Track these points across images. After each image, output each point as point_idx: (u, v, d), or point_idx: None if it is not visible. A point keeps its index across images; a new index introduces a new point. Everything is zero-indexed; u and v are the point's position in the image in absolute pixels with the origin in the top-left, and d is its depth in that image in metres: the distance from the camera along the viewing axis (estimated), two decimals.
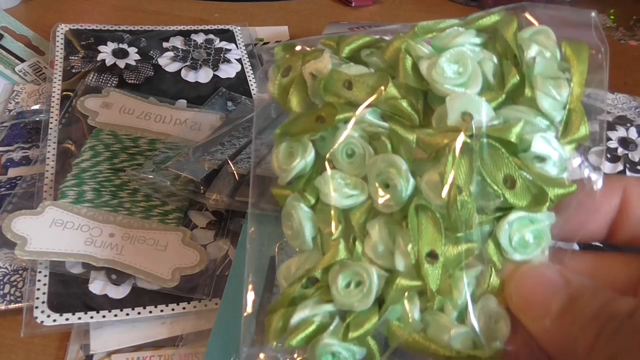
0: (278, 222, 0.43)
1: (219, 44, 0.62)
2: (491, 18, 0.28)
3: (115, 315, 0.39)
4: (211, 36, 0.62)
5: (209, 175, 0.44)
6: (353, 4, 0.79)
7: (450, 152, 0.23)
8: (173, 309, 0.40)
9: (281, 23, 0.72)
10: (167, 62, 0.58)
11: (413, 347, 0.24)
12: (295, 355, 0.36)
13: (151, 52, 0.59)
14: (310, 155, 0.28)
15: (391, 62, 0.27)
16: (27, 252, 0.40)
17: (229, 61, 0.60)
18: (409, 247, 0.23)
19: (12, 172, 0.49)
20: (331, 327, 0.25)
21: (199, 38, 0.62)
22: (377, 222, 0.25)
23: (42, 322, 0.38)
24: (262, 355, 0.36)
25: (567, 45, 0.25)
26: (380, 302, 0.25)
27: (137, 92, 0.54)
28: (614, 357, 0.17)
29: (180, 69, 0.58)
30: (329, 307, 0.25)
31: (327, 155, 0.27)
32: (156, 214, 0.44)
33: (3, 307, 0.40)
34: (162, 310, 0.40)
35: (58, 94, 0.53)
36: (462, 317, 0.23)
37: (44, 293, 0.39)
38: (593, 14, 0.23)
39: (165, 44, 0.60)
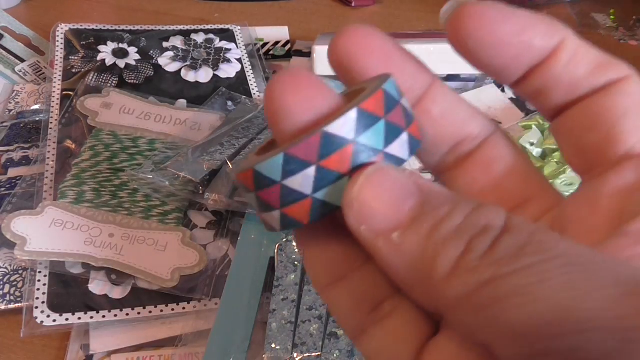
0: None
1: (219, 43, 0.62)
2: None
3: (115, 315, 0.39)
4: (211, 36, 0.62)
5: (208, 175, 0.44)
6: (353, 4, 0.79)
7: None
8: (173, 309, 0.40)
9: (281, 23, 0.72)
10: (167, 62, 0.58)
11: None
12: (295, 355, 0.36)
13: (151, 51, 0.59)
14: None
15: None
16: (26, 252, 0.40)
17: (229, 61, 0.60)
18: None
19: (12, 172, 0.49)
20: None
21: (199, 38, 0.62)
22: None
23: (42, 322, 0.38)
24: (264, 356, 0.37)
25: None
26: None
27: (137, 92, 0.54)
28: (490, 281, 0.13)
29: (180, 69, 0.58)
30: None
31: None
32: (156, 214, 0.44)
33: (3, 307, 0.40)
34: (162, 310, 0.40)
35: (58, 94, 0.53)
36: None
37: (43, 293, 0.39)
38: None
39: (165, 44, 0.60)
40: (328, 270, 0.17)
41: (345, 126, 0.14)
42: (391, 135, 0.15)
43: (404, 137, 0.15)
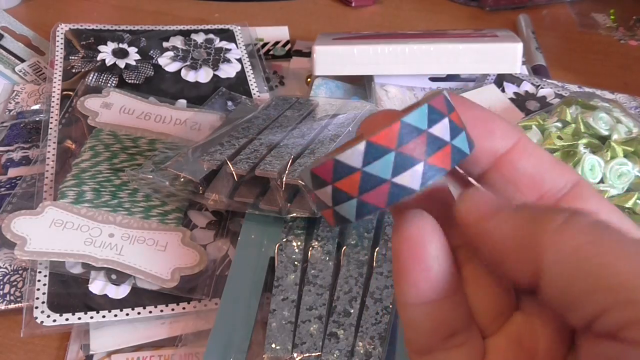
0: (277, 223, 0.43)
1: (219, 43, 0.62)
2: None
3: (115, 315, 0.39)
4: (211, 36, 0.62)
5: (208, 175, 0.44)
6: (353, 4, 0.79)
7: None
8: (173, 309, 0.40)
9: (281, 23, 0.72)
10: (167, 62, 0.58)
11: None
12: (295, 355, 0.36)
13: (151, 52, 0.59)
14: None
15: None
16: (26, 252, 0.40)
17: (229, 61, 0.60)
18: None
19: (12, 172, 0.49)
20: None
21: (199, 38, 0.62)
22: None
23: (42, 322, 0.38)
24: (264, 356, 0.37)
25: None
26: None
27: (137, 92, 0.54)
28: (596, 241, 0.16)
29: (180, 69, 0.58)
30: None
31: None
32: (156, 214, 0.44)
33: (3, 307, 0.40)
34: (162, 311, 0.40)
35: (58, 94, 0.53)
36: None
37: (44, 293, 0.39)
38: None
39: (165, 44, 0.60)
40: (419, 291, 0.18)
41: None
42: (456, 130, 0.18)
43: (463, 134, 0.18)
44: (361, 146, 0.16)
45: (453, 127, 0.18)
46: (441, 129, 0.17)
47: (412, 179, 0.17)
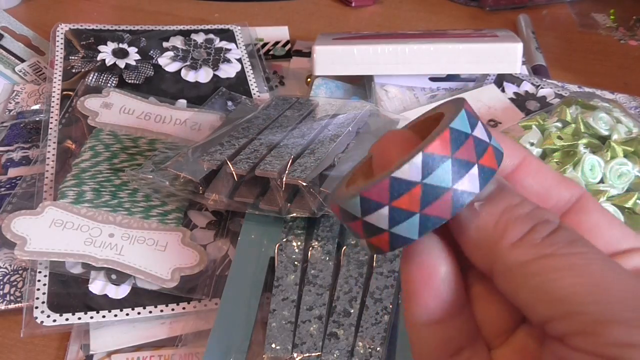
0: (277, 223, 0.43)
1: (219, 43, 0.62)
2: None
3: (115, 315, 0.39)
4: (211, 36, 0.62)
5: (208, 175, 0.44)
6: (353, 4, 0.79)
7: None
8: (173, 309, 0.40)
9: (281, 23, 0.72)
10: (167, 62, 0.58)
11: None
12: (295, 355, 0.36)
13: (151, 52, 0.59)
14: None
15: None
16: (26, 252, 0.40)
17: (229, 61, 0.60)
18: None
19: (12, 172, 0.49)
20: None
21: (199, 38, 0.62)
22: None
23: (42, 322, 0.38)
24: (264, 356, 0.37)
25: None
26: None
27: (137, 92, 0.54)
28: (548, 256, 0.17)
29: (180, 69, 0.58)
30: None
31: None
32: (156, 214, 0.44)
33: (3, 307, 0.40)
34: (161, 311, 0.40)
35: (58, 94, 0.53)
36: None
37: (44, 293, 0.39)
38: None
39: (165, 44, 0.60)
40: (429, 312, 0.19)
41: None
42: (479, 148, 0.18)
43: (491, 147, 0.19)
44: (418, 158, 0.16)
45: (486, 129, 0.18)
46: (480, 132, 0.17)
47: (471, 182, 0.17)
